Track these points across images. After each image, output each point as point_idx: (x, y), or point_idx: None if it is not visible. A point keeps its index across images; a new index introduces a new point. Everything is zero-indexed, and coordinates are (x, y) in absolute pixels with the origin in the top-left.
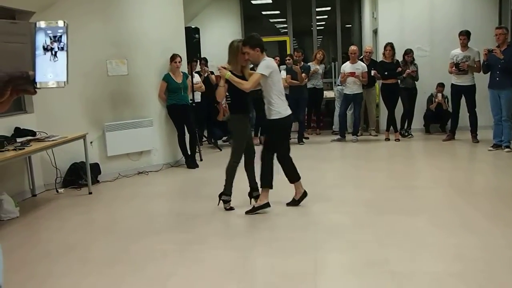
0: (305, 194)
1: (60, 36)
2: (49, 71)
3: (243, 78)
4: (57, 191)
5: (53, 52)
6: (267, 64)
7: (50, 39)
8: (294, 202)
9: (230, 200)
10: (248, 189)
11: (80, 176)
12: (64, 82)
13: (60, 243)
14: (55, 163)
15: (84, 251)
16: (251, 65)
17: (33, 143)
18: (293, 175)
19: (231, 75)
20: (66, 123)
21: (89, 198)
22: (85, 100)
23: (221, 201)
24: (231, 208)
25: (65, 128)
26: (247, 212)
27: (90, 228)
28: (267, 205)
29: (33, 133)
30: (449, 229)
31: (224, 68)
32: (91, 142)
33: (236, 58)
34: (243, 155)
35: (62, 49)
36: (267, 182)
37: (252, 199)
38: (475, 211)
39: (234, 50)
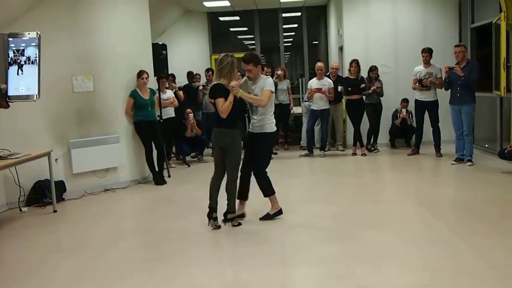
0: (280, 212)
1: (23, 50)
2: (22, 84)
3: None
4: (21, 210)
5: (19, 66)
6: (272, 82)
7: (14, 53)
8: (269, 216)
9: (236, 216)
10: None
11: (44, 194)
12: (36, 95)
13: (26, 262)
14: (19, 181)
15: (51, 270)
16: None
17: None
18: (269, 189)
19: (245, 93)
20: (30, 140)
21: (54, 216)
22: (49, 116)
23: (229, 220)
24: (239, 224)
25: (29, 145)
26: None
27: (56, 247)
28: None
29: None
30: (416, 241)
31: (236, 85)
32: (56, 160)
33: (232, 73)
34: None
35: (26, 62)
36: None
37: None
38: (441, 223)
39: (230, 65)
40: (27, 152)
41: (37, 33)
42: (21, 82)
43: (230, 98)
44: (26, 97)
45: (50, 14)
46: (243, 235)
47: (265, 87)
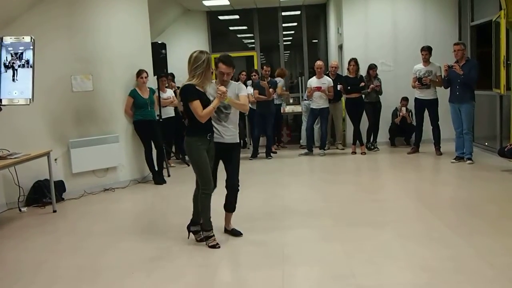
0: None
1: (22, 53)
2: (15, 88)
3: None
4: (20, 210)
5: (14, 70)
6: (245, 87)
7: (12, 56)
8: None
9: (213, 235)
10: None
11: (44, 194)
12: (30, 99)
13: (26, 263)
14: (18, 181)
15: (51, 270)
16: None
17: None
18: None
19: (231, 98)
20: (30, 140)
21: (54, 216)
22: (49, 116)
23: (203, 237)
24: (216, 246)
25: (29, 145)
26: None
27: (56, 247)
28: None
29: None
30: (416, 240)
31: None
32: (55, 159)
33: (207, 73)
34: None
35: (23, 66)
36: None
37: (191, 233)
38: (441, 222)
39: (205, 64)
40: (26, 152)
41: (31, 38)
42: (15, 86)
43: (215, 103)
44: (19, 101)
45: (49, 13)
46: (242, 235)
47: (241, 92)
